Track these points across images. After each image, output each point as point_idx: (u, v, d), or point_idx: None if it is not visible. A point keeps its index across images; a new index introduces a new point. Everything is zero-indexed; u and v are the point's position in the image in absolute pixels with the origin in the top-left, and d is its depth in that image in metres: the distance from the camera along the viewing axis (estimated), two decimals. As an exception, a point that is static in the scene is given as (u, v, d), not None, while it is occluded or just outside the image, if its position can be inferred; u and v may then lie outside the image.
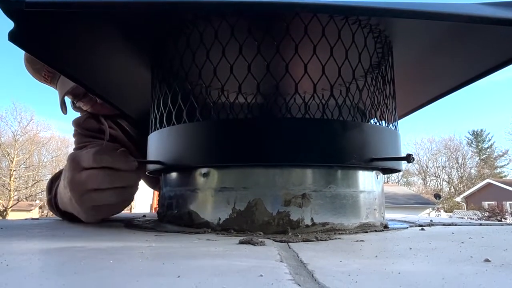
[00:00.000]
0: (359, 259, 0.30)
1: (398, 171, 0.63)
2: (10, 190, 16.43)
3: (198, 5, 0.43)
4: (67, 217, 0.67)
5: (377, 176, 0.59)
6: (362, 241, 0.41)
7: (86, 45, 0.59)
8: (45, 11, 0.40)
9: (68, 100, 0.90)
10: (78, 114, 0.96)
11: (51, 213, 0.76)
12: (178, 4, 0.41)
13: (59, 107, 0.89)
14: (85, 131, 0.91)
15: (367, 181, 0.57)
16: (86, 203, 0.57)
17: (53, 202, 0.71)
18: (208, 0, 0.42)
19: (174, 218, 0.57)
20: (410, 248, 0.35)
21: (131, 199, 0.62)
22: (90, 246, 0.35)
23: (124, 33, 0.57)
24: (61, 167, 0.87)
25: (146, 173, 0.66)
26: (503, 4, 0.47)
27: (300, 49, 0.53)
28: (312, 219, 0.51)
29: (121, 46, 0.61)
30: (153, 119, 0.64)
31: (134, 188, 0.61)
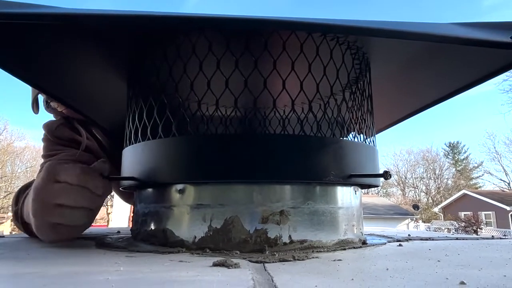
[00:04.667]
0: (335, 282, 0.29)
1: (376, 186, 0.63)
2: (-20, 203, 15.70)
3: (157, 20, 0.42)
4: (30, 232, 0.63)
5: (355, 191, 0.59)
6: (340, 260, 0.41)
7: (57, 57, 0.57)
8: (9, 22, 0.38)
9: (41, 98, 0.85)
10: (50, 116, 0.91)
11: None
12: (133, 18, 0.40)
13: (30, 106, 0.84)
14: (56, 139, 0.86)
15: (346, 197, 0.57)
16: (47, 218, 0.51)
17: (19, 215, 0.67)
18: (172, 15, 0.41)
19: (148, 236, 0.55)
20: (387, 269, 0.35)
21: (91, 223, 0.58)
22: (53, 272, 0.33)
23: (97, 44, 0.56)
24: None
25: (120, 188, 0.64)
26: (477, 25, 0.49)
27: (278, 65, 0.52)
28: (290, 236, 0.50)
29: (95, 57, 0.59)
30: (128, 133, 0.62)
31: (97, 211, 0.58)
